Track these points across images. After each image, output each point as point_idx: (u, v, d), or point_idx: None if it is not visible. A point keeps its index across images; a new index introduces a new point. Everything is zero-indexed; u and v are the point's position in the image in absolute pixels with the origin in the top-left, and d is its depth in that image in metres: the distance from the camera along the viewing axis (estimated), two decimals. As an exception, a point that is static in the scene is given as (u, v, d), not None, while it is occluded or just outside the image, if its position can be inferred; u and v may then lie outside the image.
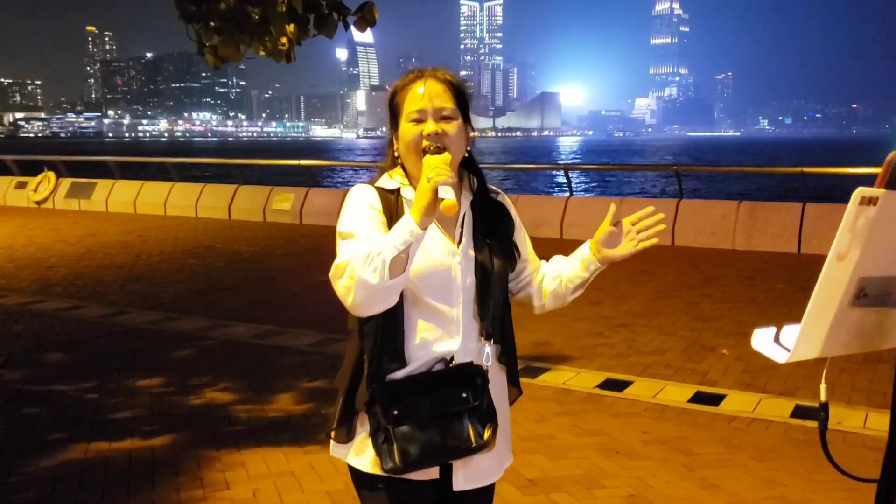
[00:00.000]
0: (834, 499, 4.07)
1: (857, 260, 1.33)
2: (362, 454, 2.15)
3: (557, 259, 2.39)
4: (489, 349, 2.17)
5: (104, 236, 14.95)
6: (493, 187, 2.34)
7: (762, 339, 1.48)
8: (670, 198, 14.38)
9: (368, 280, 1.91)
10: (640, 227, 2.22)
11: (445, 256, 2.13)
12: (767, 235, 12.26)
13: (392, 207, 2.14)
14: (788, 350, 1.40)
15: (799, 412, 5.31)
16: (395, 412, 2.03)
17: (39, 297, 9.44)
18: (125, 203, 19.25)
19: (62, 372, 6.52)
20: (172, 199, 18.68)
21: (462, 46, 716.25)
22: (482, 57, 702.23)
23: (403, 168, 2.21)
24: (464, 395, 2.07)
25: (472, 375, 2.09)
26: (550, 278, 2.35)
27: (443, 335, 2.12)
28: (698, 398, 5.71)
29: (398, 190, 2.18)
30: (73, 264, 11.86)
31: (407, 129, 2.14)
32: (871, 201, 1.27)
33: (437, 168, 1.94)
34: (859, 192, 1.26)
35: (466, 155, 2.22)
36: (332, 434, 2.20)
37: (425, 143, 2.08)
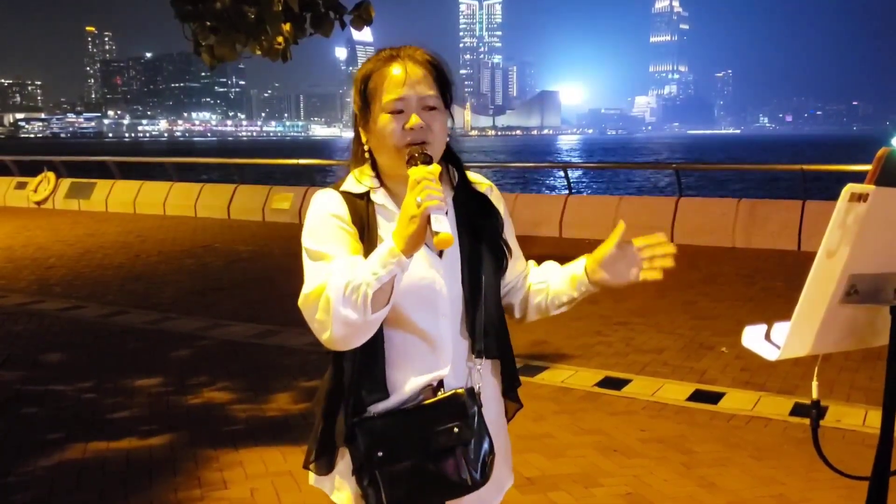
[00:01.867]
0: (833, 497, 4.07)
1: (847, 257, 1.32)
2: (344, 490, 1.96)
3: (547, 267, 2.11)
4: (482, 368, 1.94)
5: (103, 236, 14.95)
6: (477, 177, 2.06)
7: (753, 337, 1.48)
8: (669, 196, 14.36)
9: (348, 317, 1.69)
10: (647, 254, 1.94)
11: (427, 268, 1.87)
12: (767, 233, 12.25)
13: (362, 215, 1.88)
14: (779, 347, 1.39)
15: (798, 410, 5.31)
16: (380, 453, 1.82)
17: (38, 298, 9.44)
18: (124, 203, 19.24)
19: (60, 372, 6.51)
20: (171, 199, 18.67)
21: (461, 45, 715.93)
22: (482, 55, 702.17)
23: (373, 165, 1.94)
24: (455, 429, 1.83)
25: (462, 405, 1.85)
26: (535, 290, 2.08)
27: (428, 358, 1.89)
28: (697, 396, 5.70)
29: (367, 194, 1.91)
30: (72, 264, 11.85)
31: (385, 121, 1.84)
32: (861, 198, 1.26)
33: (428, 188, 1.66)
34: (849, 188, 1.25)
35: (445, 147, 1.94)
36: (311, 466, 2.00)
37: (410, 147, 1.81)
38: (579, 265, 1.99)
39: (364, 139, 1.93)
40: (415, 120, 1.82)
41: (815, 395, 1.61)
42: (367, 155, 1.94)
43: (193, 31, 5.75)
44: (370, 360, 1.86)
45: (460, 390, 1.87)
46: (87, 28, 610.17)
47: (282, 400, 5.74)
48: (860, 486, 1.68)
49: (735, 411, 5.38)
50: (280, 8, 5.36)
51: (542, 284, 2.07)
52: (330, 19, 5.76)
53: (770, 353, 1.42)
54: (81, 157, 25.24)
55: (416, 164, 1.74)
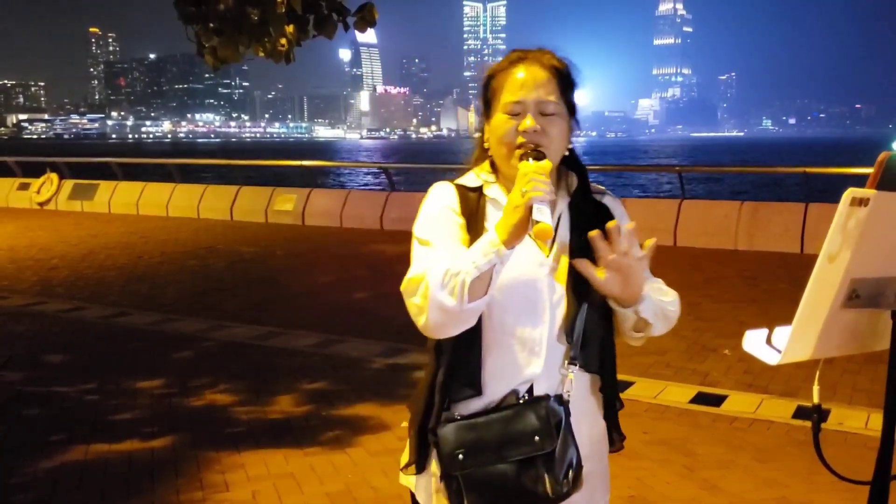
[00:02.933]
0: (835, 499, 4.06)
1: (848, 261, 1.32)
2: (426, 492, 1.95)
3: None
4: (575, 377, 1.86)
5: (106, 237, 14.96)
6: (599, 187, 2.02)
7: (754, 341, 1.47)
8: (672, 198, 14.35)
9: (444, 303, 1.69)
10: (623, 247, 1.75)
11: (532, 266, 1.84)
12: (770, 236, 12.24)
13: (472, 208, 1.88)
14: (780, 352, 1.39)
15: (801, 413, 5.30)
16: (461, 455, 1.78)
17: (41, 299, 9.45)
18: (127, 204, 19.26)
19: (63, 373, 6.52)
20: (174, 201, 18.69)
21: (465, 47, 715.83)
22: (485, 57, 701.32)
23: (492, 163, 1.94)
24: (536, 437, 1.77)
25: (546, 411, 1.79)
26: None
27: (523, 359, 1.85)
28: (700, 399, 5.70)
29: (481, 188, 1.91)
30: (75, 265, 11.87)
31: (501, 121, 1.84)
32: (862, 202, 1.26)
33: (534, 180, 1.66)
34: (850, 192, 1.25)
35: (567, 154, 1.92)
36: (404, 468, 1.98)
37: (521, 140, 1.81)
38: (611, 303, 1.86)
39: (486, 138, 1.93)
40: (528, 122, 1.81)
41: (816, 399, 1.61)
42: (487, 153, 1.94)
43: (196, 32, 5.76)
44: (467, 354, 1.85)
45: (546, 395, 1.82)
46: (91, 29, 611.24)
47: (284, 402, 5.74)
48: (862, 488, 1.68)
49: (738, 414, 5.38)
50: (283, 10, 5.37)
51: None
52: (333, 21, 5.76)
53: (771, 358, 1.42)
54: (84, 158, 25.26)
55: (528, 160, 1.74)
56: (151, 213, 18.74)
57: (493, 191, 1.92)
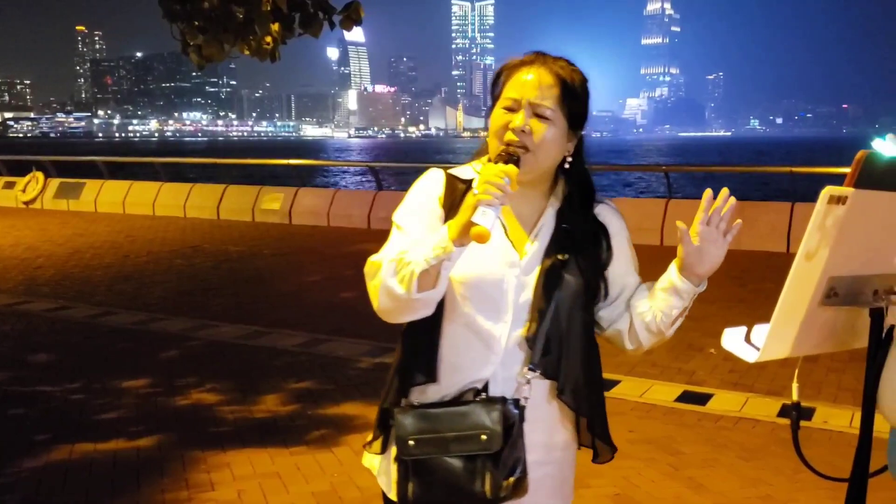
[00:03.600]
0: (819, 497, 4.08)
1: (826, 259, 1.33)
2: (385, 475, 2.01)
3: (643, 291, 1.98)
4: (535, 384, 1.86)
5: (92, 237, 14.89)
6: (603, 201, 2.00)
7: (733, 339, 1.48)
8: (659, 198, 14.39)
9: (394, 289, 1.74)
10: (716, 219, 1.81)
11: (501, 266, 1.85)
12: (756, 235, 12.28)
13: (456, 199, 1.86)
14: (759, 349, 1.40)
15: (785, 411, 5.32)
16: (411, 442, 1.83)
17: (26, 298, 9.39)
18: (114, 203, 19.18)
19: (48, 373, 6.48)
20: (161, 199, 18.62)
21: (454, 46, 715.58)
22: (474, 57, 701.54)
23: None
24: (483, 436, 1.79)
25: (498, 413, 1.80)
26: (638, 313, 1.95)
27: (480, 356, 1.86)
28: (685, 397, 5.72)
29: (472, 181, 1.86)
30: (61, 265, 11.81)
31: (497, 114, 1.86)
32: (839, 200, 1.26)
33: (489, 182, 1.65)
34: (827, 190, 1.25)
35: (567, 165, 1.92)
36: (367, 445, 2.05)
37: (508, 136, 1.81)
38: (674, 275, 1.87)
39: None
40: (517, 121, 1.82)
41: (795, 397, 1.61)
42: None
43: (182, 30, 5.74)
44: (426, 341, 1.89)
45: (503, 398, 1.83)
46: (77, 27, 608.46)
47: (270, 401, 5.73)
48: (847, 487, 1.69)
49: (723, 412, 5.40)
50: (269, 8, 5.35)
51: (646, 307, 1.94)
52: (319, 19, 5.75)
53: (750, 355, 1.43)
54: (70, 156, 25.14)
55: (499, 163, 1.73)
56: (138, 213, 18.66)
57: None
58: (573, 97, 1.86)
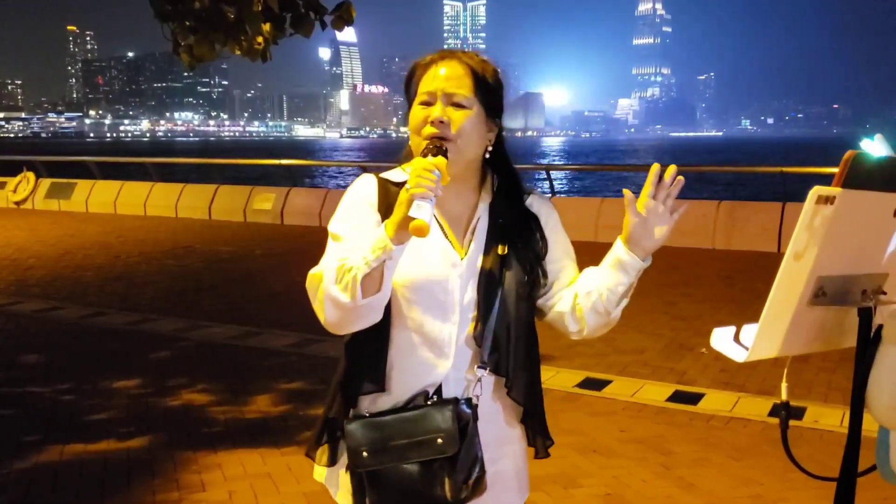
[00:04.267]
0: (809, 496, 4.09)
1: (814, 259, 1.33)
2: (341, 487, 1.95)
3: (588, 272, 1.95)
4: (484, 381, 1.86)
5: (83, 237, 14.84)
6: (532, 191, 2.02)
7: (722, 338, 1.48)
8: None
9: (338, 298, 1.70)
10: (663, 195, 1.80)
11: (443, 266, 1.85)
12: (747, 235, 12.32)
13: (391, 201, 1.82)
14: (747, 349, 1.40)
15: (776, 411, 5.33)
16: (364, 453, 1.80)
17: (17, 299, 9.36)
18: (105, 203, 19.13)
19: (38, 373, 6.46)
20: (152, 200, 18.58)
21: (445, 46, 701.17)
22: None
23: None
24: (438, 440, 1.78)
25: (451, 415, 1.79)
26: (584, 294, 1.91)
27: (431, 359, 1.85)
28: (676, 397, 5.73)
29: (405, 182, 1.81)
30: (52, 265, 11.77)
31: (415, 111, 1.87)
32: (827, 200, 1.27)
33: (421, 175, 1.64)
34: (816, 191, 1.26)
35: (487, 156, 1.92)
36: (316, 456, 1.97)
37: (428, 130, 1.82)
38: (619, 250, 1.85)
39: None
40: (435, 112, 1.83)
41: (784, 396, 1.62)
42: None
43: (172, 30, 5.73)
44: (373, 350, 1.85)
45: (455, 399, 1.82)
46: (69, 27, 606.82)
47: (261, 402, 5.72)
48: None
49: (714, 412, 5.41)
50: (260, 8, 5.35)
51: (592, 286, 1.90)
52: (310, 20, 5.74)
53: (738, 355, 1.43)
54: (62, 157, 25.07)
55: (429, 156, 1.74)
56: (129, 213, 18.61)
57: None
58: (485, 84, 1.88)
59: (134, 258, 12.41)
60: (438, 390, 1.85)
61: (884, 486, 1.70)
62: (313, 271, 1.78)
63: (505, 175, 1.98)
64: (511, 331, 1.88)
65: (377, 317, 1.78)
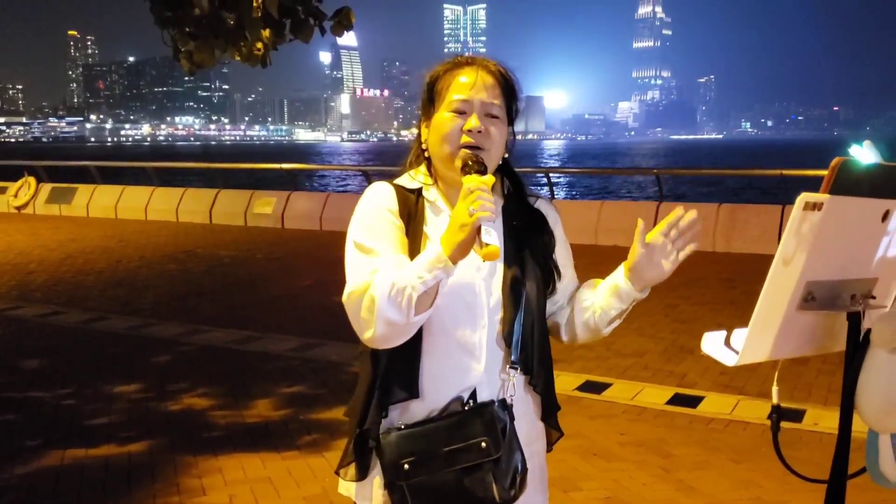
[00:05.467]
0: (809, 499, 4.08)
1: (803, 264, 1.34)
2: (374, 501, 1.92)
3: (588, 286, 2.02)
4: (516, 380, 1.89)
5: (84, 241, 14.86)
6: (534, 192, 2.06)
7: (712, 342, 1.50)
8: (651, 200, 14.42)
9: (391, 317, 1.69)
10: (674, 234, 1.84)
11: (470, 271, 1.85)
12: (747, 238, 12.33)
13: (411, 209, 1.88)
14: (738, 353, 1.42)
15: (770, 412, 5.34)
16: (406, 466, 1.78)
17: (18, 303, 9.38)
18: (106, 208, 19.15)
19: (39, 378, 6.48)
20: (153, 204, 18.60)
21: (446, 50, 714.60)
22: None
23: (428, 166, 1.96)
24: (483, 444, 1.78)
25: (492, 417, 1.80)
26: (582, 307, 1.98)
27: (463, 364, 1.86)
28: (676, 400, 5.74)
29: (420, 190, 1.92)
30: (53, 270, 11.78)
31: (445, 119, 1.85)
32: (815, 206, 1.28)
33: (481, 198, 1.65)
34: (803, 197, 1.27)
35: (501, 162, 1.94)
36: (341, 472, 1.95)
37: (464, 153, 1.82)
38: (619, 276, 1.90)
39: (424, 137, 1.95)
40: (474, 122, 1.84)
41: (775, 399, 1.64)
42: (425, 154, 1.95)
43: (173, 36, 5.75)
44: (405, 359, 1.84)
45: (491, 401, 1.83)
46: (70, 32, 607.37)
47: (262, 406, 5.73)
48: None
49: (714, 415, 5.42)
50: (259, 14, 5.37)
51: (588, 302, 1.97)
52: (310, 25, 5.77)
53: (729, 359, 1.45)
54: (62, 161, 25.10)
55: (471, 173, 1.75)
56: (130, 217, 18.63)
57: (432, 193, 1.94)
58: (512, 93, 1.92)
59: (135, 263, 12.42)
60: (472, 394, 1.86)
61: (876, 487, 1.72)
62: (353, 287, 1.77)
63: (510, 177, 2.01)
64: (534, 329, 1.90)
65: (414, 331, 1.79)
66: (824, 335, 1.52)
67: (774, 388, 1.62)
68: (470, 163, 1.79)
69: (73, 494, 4.36)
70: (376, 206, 1.90)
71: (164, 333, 7.90)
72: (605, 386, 6.03)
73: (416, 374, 1.85)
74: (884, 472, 1.60)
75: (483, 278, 1.88)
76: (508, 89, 1.91)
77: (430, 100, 1.93)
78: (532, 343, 1.90)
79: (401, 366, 1.84)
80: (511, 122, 1.94)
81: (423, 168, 1.97)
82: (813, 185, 1.28)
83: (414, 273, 1.69)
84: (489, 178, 1.73)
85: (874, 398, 1.49)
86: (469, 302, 1.86)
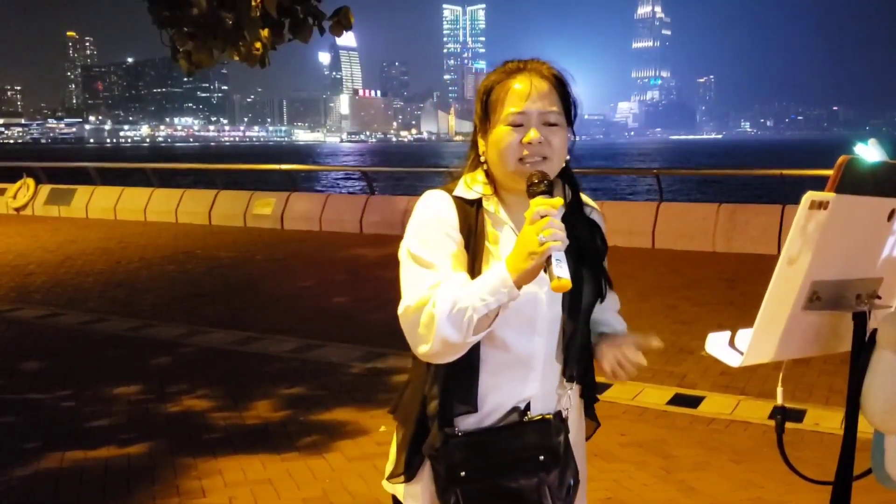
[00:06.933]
0: (810, 500, 4.08)
1: (808, 264, 1.33)
2: (421, 500, 1.91)
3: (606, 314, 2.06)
4: (571, 392, 1.89)
5: (84, 243, 14.84)
6: (589, 201, 1.99)
7: (717, 343, 1.49)
8: (651, 200, 14.41)
9: (450, 337, 1.66)
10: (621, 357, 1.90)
11: (531, 284, 1.74)
12: (747, 238, 12.31)
13: (471, 223, 1.83)
14: (742, 354, 1.40)
15: (774, 413, 5.33)
16: (462, 473, 1.77)
17: (17, 305, 9.36)
18: (105, 209, 19.13)
19: (39, 380, 6.46)
20: (152, 205, 18.58)
21: (445, 51, 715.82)
22: (465, 61, 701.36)
23: (487, 174, 1.88)
24: (541, 457, 1.78)
25: (549, 431, 1.81)
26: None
27: (518, 377, 1.85)
28: (677, 400, 5.73)
29: (479, 201, 1.86)
30: (52, 271, 11.77)
31: (503, 133, 1.79)
32: (821, 205, 1.27)
33: (551, 225, 1.60)
34: (809, 196, 1.26)
35: (564, 165, 1.88)
36: (390, 478, 1.95)
37: (528, 170, 1.76)
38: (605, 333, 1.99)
39: (482, 149, 1.88)
40: (533, 134, 1.78)
41: (779, 400, 1.62)
42: (483, 166, 1.89)
43: (171, 37, 5.74)
44: (464, 372, 1.81)
45: (549, 415, 1.83)
46: (69, 33, 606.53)
47: (262, 408, 5.72)
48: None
49: (715, 415, 5.41)
50: (258, 14, 5.36)
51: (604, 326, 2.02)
52: (308, 25, 5.76)
53: (733, 360, 1.43)
54: (61, 163, 25.08)
55: (537, 193, 1.69)
56: (129, 218, 18.61)
57: (492, 205, 1.87)
58: (567, 96, 1.86)
59: (134, 264, 12.41)
60: (528, 406, 1.85)
61: (882, 488, 1.71)
62: (411, 302, 1.73)
63: (569, 180, 1.95)
64: (586, 340, 1.93)
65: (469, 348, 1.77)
66: (830, 335, 1.51)
67: (779, 389, 1.61)
68: (535, 181, 1.72)
69: (73, 497, 4.35)
70: (436, 218, 1.83)
71: (164, 335, 7.88)
72: (605, 386, 6.01)
73: (475, 387, 1.83)
74: (889, 474, 1.59)
75: (546, 292, 1.80)
76: (564, 92, 1.85)
77: (485, 111, 1.86)
78: (585, 357, 1.93)
79: (460, 380, 1.82)
80: (570, 123, 1.88)
81: (479, 176, 1.89)
82: (813, 184, 1.27)
83: (477, 294, 1.66)
84: (557, 201, 1.68)
85: (880, 399, 1.48)
86: (529, 315, 1.83)
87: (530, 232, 1.62)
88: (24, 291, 10.25)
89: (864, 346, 1.47)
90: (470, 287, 1.69)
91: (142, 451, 4.95)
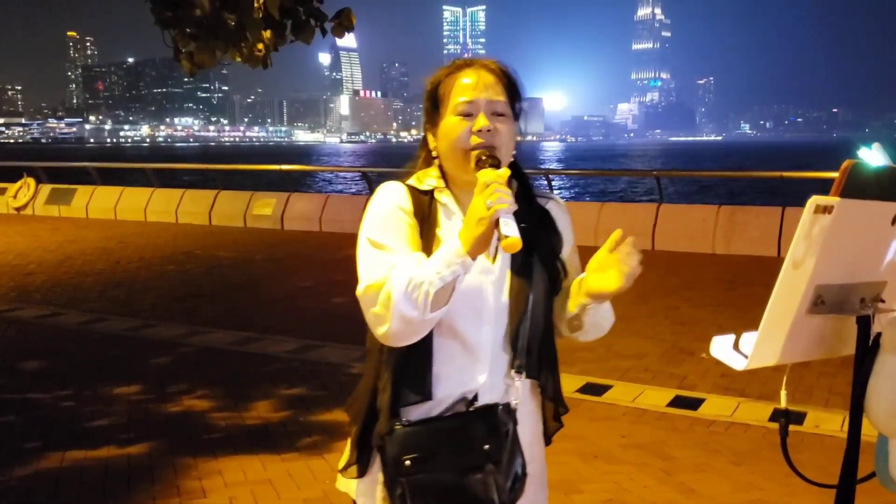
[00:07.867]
0: (811, 502, 4.09)
1: (813, 268, 1.33)
2: (369, 497, 1.93)
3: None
4: (520, 384, 1.88)
5: (84, 243, 14.84)
6: (543, 193, 2.04)
7: (721, 346, 1.49)
8: (650, 202, 14.42)
9: (407, 313, 1.68)
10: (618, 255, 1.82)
11: (477, 273, 1.82)
12: (747, 239, 12.32)
13: (425, 210, 1.87)
14: (747, 357, 1.40)
15: (777, 416, 5.33)
16: (407, 462, 1.77)
17: (17, 305, 9.35)
18: (105, 209, 19.13)
19: (39, 379, 6.46)
20: (153, 206, 18.58)
21: (445, 52, 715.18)
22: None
23: (441, 168, 1.93)
24: (486, 446, 1.78)
25: (495, 422, 1.80)
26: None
27: (466, 367, 1.86)
28: (677, 402, 5.73)
29: (432, 192, 1.91)
30: (52, 271, 11.77)
31: (453, 123, 1.84)
32: (826, 210, 1.27)
33: (498, 191, 1.64)
34: (814, 200, 1.26)
35: (512, 159, 1.91)
36: (343, 470, 1.97)
37: (477, 151, 1.80)
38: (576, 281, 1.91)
39: (432, 145, 1.93)
40: (482, 122, 1.82)
41: (783, 403, 1.63)
42: (435, 161, 1.94)
43: (173, 37, 5.74)
44: (417, 360, 1.83)
45: (495, 404, 1.83)
46: (69, 33, 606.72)
47: (262, 408, 5.72)
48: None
49: (715, 417, 5.41)
50: (260, 15, 5.36)
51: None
52: (310, 26, 5.76)
53: (738, 363, 1.44)
54: (62, 162, 25.08)
55: (485, 167, 1.74)
56: (129, 218, 18.61)
57: (445, 196, 1.92)
58: (514, 90, 1.91)
59: (134, 264, 12.41)
60: (476, 397, 1.85)
61: (885, 492, 1.71)
62: (368, 282, 1.76)
63: (518, 176, 1.96)
64: (541, 332, 1.90)
65: (428, 330, 1.78)
66: (834, 339, 1.52)
67: (783, 392, 1.61)
68: (483, 157, 1.77)
69: (73, 497, 4.35)
70: (390, 204, 1.88)
71: (164, 335, 7.88)
72: (605, 388, 6.02)
73: (429, 376, 1.84)
74: (893, 477, 1.59)
75: (492, 282, 1.86)
76: (511, 86, 1.90)
77: (434, 106, 1.91)
78: (538, 347, 1.90)
79: (413, 368, 1.84)
80: (516, 118, 1.92)
81: (433, 171, 1.94)
82: (813, 186, 1.28)
83: (432, 269, 1.69)
84: (504, 172, 1.72)
85: (883, 402, 1.48)
86: (476, 305, 1.85)
87: (478, 201, 1.66)
88: (23, 291, 10.25)
89: (867, 349, 1.47)
90: (425, 263, 1.71)
91: (142, 451, 4.95)
